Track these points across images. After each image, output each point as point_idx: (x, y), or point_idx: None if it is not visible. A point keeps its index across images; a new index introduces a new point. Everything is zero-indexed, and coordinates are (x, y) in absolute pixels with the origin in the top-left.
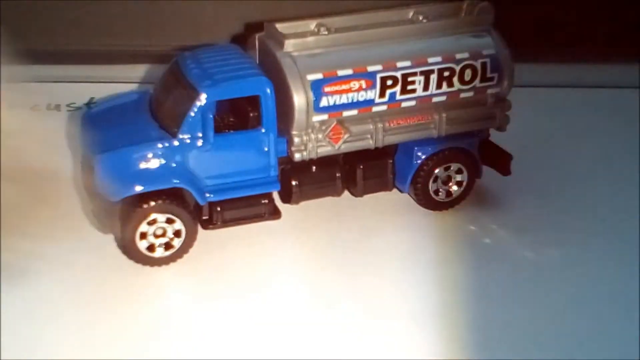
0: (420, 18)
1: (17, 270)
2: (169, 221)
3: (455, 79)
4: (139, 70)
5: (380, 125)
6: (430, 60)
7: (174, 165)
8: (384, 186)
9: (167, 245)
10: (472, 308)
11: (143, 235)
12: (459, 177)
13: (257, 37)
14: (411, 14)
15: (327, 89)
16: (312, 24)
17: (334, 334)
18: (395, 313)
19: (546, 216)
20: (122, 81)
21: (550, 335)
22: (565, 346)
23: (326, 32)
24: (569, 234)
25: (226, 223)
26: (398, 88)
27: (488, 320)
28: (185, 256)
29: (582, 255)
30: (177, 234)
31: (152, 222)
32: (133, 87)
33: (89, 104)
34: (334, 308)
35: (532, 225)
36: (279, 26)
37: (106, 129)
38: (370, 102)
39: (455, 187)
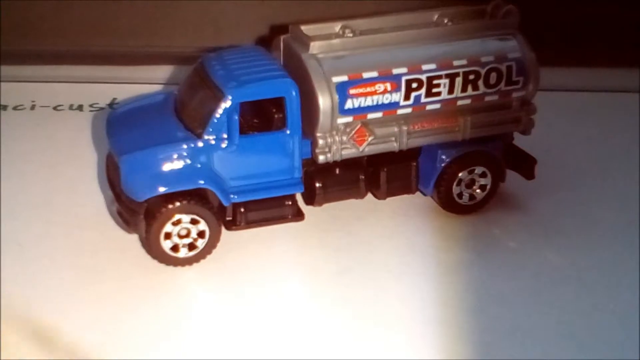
0: (445, 21)
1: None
2: (193, 222)
3: (480, 82)
4: (162, 72)
5: (404, 128)
6: (456, 63)
7: (198, 166)
8: (408, 189)
9: (191, 246)
10: (495, 312)
11: (167, 236)
12: (482, 181)
13: (282, 38)
14: (436, 16)
15: (352, 91)
16: (337, 26)
17: (358, 335)
18: (416, 316)
19: (571, 220)
20: (144, 82)
21: (574, 339)
22: (592, 348)
23: (351, 35)
24: (594, 238)
25: (250, 224)
26: (423, 91)
27: (513, 324)
28: (209, 257)
29: (607, 259)
30: (201, 234)
31: (177, 223)
32: (155, 88)
33: (111, 105)
34: (357, 309)
35: (557, 229)
36: (304, 28)
37: (131, 130)
38: (395, 105)
39: (478, 191)
